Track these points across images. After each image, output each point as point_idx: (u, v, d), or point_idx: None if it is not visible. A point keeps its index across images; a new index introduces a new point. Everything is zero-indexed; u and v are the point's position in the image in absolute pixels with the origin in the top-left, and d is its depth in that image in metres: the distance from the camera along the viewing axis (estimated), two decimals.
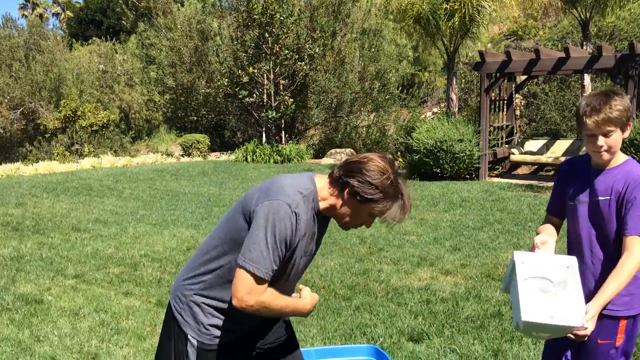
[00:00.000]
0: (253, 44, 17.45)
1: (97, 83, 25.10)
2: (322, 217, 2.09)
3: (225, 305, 2.08)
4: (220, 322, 2.10)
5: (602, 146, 2.28)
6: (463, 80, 19.78)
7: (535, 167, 13.58)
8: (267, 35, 16.99)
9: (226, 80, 18.45)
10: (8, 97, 22.38)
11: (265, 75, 17.64)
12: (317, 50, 18.28)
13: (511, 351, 4.09)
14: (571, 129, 16.08)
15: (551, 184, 11.57)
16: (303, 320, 4.75)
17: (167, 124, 25.95)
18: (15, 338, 4.42)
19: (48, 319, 4.83)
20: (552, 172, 13.32)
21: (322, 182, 2.04)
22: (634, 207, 2.24)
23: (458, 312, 4.86)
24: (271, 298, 1.96)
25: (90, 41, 30.43)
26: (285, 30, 17.17)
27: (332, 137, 20.59)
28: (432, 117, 17.10)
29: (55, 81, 23.42)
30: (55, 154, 19.54)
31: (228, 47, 18.82)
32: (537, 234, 2.50)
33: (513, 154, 13.12)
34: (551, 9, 18.43)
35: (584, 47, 13.62)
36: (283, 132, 18.58)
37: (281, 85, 18.11)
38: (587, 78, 14.07)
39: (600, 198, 2.35)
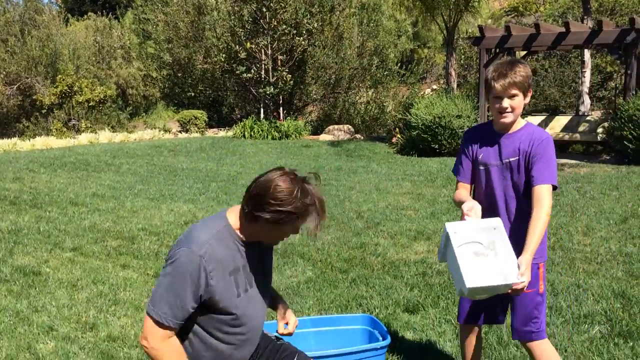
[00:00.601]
0: (250, 19, 17.27)
1: (94, 58, 24.90)
2: (254, 245, 2.09)
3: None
4: None
5: (506, 107, 2.53)
6: (462, 57, 19.66)
7: None
8: (264, 9, 16.80)
9: (223, 55, 18.30)
10: (4, 72, 22.22)
11: (263, 50, 17.50)
12: (315, 25, 18.11)
13: (506, 321, 4.12)
14: (570, 105, 16.03)
15: None
16: (299, 292, 4.78)
17: (165, 100, 25.81)
18: (13, 308, 4.45)
19: (46, 290, 4.85)
20: None
21: (234, 216, 2.05)
22: (538, 161, 2.52)
23: (453, 285, 4.89)
24: (168, 352, 1.95)
25: (86, 16, 30.09)
26: (283, 5, 16.98)
27: (331, 114, 20.51)
28: (431, 93, 17.02)
29: (52, 56, 23.23)
30: (53, 129, 19.47)
31: (225, 21, 18.63)
32: (458, 202, 2.67)
33: None
34: None
35: (585, 22, 13.50)
36: (281, 108, 18.49)
37: (279, 61, 17.98)
38: (587, 54, 13.98)
39: (510, 159, 2.61)
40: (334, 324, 3.29)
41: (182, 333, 2.07)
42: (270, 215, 1.91)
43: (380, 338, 3.14)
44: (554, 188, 2.54)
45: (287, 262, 5.57)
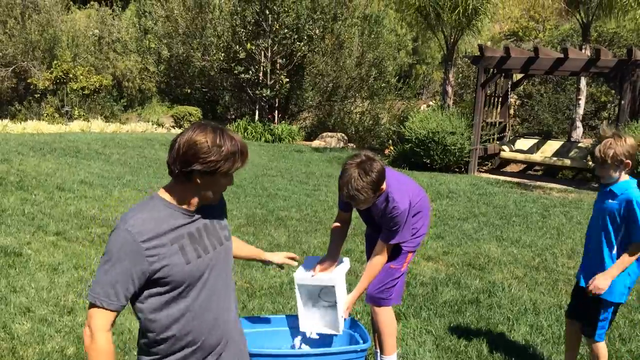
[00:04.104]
0: (253, 20, 17.27)
1: (92, 48, 24.76)
2: (199, 212, 2.04)
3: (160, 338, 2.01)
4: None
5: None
6: (460, 76, 19.78)
7: (525, 166, 13.65)
8: (267, 12, 16.82)
9: (222, 54, 18.27)
10: (0, 54, 22.02)
11: (262, 52, 17.50)
12: (316, 31, 18.14)
13: (486, 336, 4.13)
14: (563, 131, 16.16)
15: (539, 183, 11.68)
16: (282, 292, 4.75)
17: (160, 95, 25.69)
18: None
19: (26, 272, 4.79)
20: (540, 172, 13.40)
21: (168, 189, 1.99)
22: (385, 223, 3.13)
23: (437, 297, 4.89)
24: (100, 347, 1.86)
25: (88, 5, 29.96)
26: (286, 9, 17.01)
27: (325, 121, 20.51)
28: (426, 109, 17.10)
29: (50, 42, 23.06)
30: (45, 114, 19.29)
31: (226, 20, 18.61)
32: (330, 237, 3.35)
33: (504, 150, 13.17)
34: (554, 11, 18.44)
35: (583, 50, 13.65)
36: (276, 111, 18.48)
37: (278, 64, 17.98)
38: (583, 81, 14.13)
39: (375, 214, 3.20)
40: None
41: (142, 326, 1.99)
42: (201, 167, 1.88)
43: (361, 341, 3.12)
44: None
45: None
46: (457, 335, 4.14)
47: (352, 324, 3.30)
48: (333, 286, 3.01)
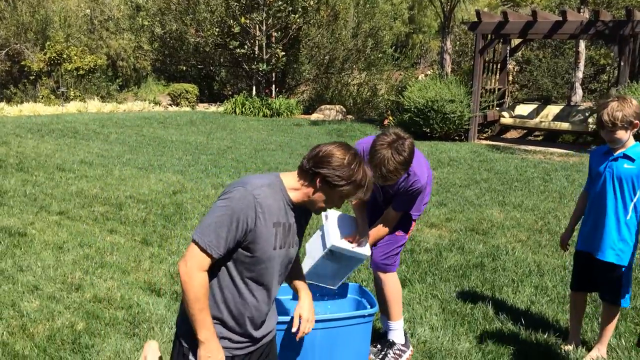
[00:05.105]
0: None
1: (85, 27, 24.46)
2: (299, 210, 2.18)
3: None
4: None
5: None
6: (457, 43, 19.58)
7: (525, 131, 13.61)
8: None
9: (217, 30, 18.07)
10: None
11: (257, 26, 17.30)
12: (311, 2, 17.91)
13: (492, 299, 4.16)
14: (562, 96, 16.06)
15: (540, 148, 11.65)
16: None
17: (156, 73, 25.48)
18: None
19: (31, 251, 4.80)
20: (541, 137, 13.36)
21: (289, 176, 2.16)
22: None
23: (441, 262, 4.91)
24: (198, 284, 1.98)
25: None
26: None
27: (323, 94, 20.38)
28: (425, 78, 16.96)
29: (42, 23, 22.77)
30: (40, 96, 19.16)
31: None
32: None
33: (503, 117, 13.11)
34: None
35: (582, 13, 13.49)
36: (273, 85, 18.35)
37: (273, 38, 17.80)
38: (582, 44, 14.00)
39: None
40: (323, 292, 3.29)
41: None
42: (327, 174, 2.05)
43: (369, 306, 3.14)
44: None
45: None
46: (462, 298, 4.17)
47: (359, 290, 3.32)
48: (362, 258, 3.05)
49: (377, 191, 3.38)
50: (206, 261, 2.00)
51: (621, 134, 3.02)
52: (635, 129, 3.04)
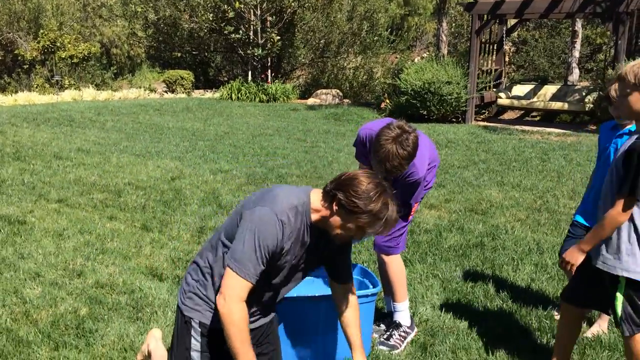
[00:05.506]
0: None
1: (78, 15, 24.23)
2: (318, 231, 2.16)
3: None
4: (216, 312, 2.18)
5: None
6: (453, 25, 19.48)
7: (522, 112, 13.59)
8: None
9: (211, 15, 17.92)
10: None
11: (252, 10, 17.15)
12: None
13: (492, 277, 4.18)
14: (559, 76, 16.03)
15: (537, 128, 11.65)
16: None
17: (150, 60, 25.29)
18: None
19: (32, 239, 4.80)
20: (538, 118, 13.35)
21: (316, 196, 2.14)
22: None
23: (441, 242, 4.93)
24: (239, 317, 2.00)
25: None
26: None
27: (319, 79, 20.28)
28: (421, 60, 16.88)
29: (35, 11, 22.53)
30: (35, 85, 19.02)
31: None
32: None
33: (500, 98, 13.08)
34: None
35: None
36: (269, 70, 18.25)
37: (268, 22, 17.65)
38: (578, 23, 13.93)
39: None
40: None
41: (208, 270, 2.17)
42: (345, 198, 2.00)
43: (371, 286, 3.16)
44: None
45: None
46: (463, 277, 4.19)
47: (361, 271, 3.33)
48: None
49: None
50: (246, 290, 2.02)
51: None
52: None
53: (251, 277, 2.01)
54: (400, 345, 3.22)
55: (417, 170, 3.03)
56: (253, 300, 2.15)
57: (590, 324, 3.46)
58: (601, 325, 3.37)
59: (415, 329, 3.38)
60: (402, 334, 3.27)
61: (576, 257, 2.59)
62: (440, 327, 3.44)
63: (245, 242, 2.00)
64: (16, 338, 3.21)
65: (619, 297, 2.49)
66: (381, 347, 3.21)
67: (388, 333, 3.28)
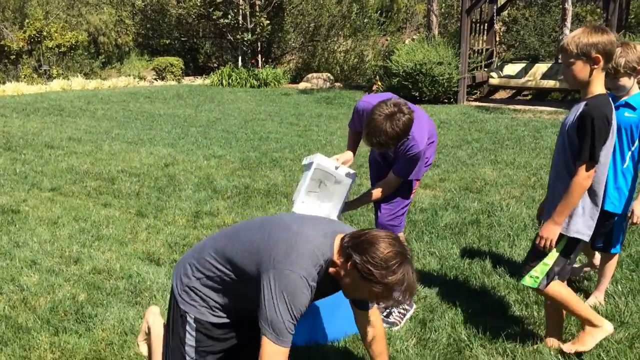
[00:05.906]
0: None
1: (64, 4, 23.91)
2: (333, 279, 2.08)
3: (213, 303, 2.22)
4: (211, 310, 2.23)
5: None
6: (443, 5, 19.37)
7: (514, 91, 13.59)
8: None
9: (199, 0, 17.74)
10: None
11: None
12: None
13: (489, 253, 4.20)
14: (550, 54, 16.01)
15: (529, 107, 11.65)
16: None
17: (139, 48, 25.03)
18: None
19: (26, 227, 4.77)
20: (530, 97, 13.36)
21: (337, 248, 2.04)
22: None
23: (437, 221, 4.94)
24: None
25: None
26: None
27: (310, 63, 20.18)
28: (412, 42, 16.81)
29: (20, 1, 22.22)
30: (22, 75, 18.82)
31: None
32: (348, 138, 3.45)
33: (492, 77, 13.07)
34: None
35: None
36: (259, 55, 18.13)
37: (257, 6, 17.51)
38: (568, 1, 13.87)
39: None
40: None
41: (210, 275, 2.19)
42: (359, 261, 1.90)
43: None
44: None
45: (270, 201, 5.56)
46: (460, 254, 4.21)
47: None
48: (348, 183, 3.09)
49: (378, 155, 3.38)
50: (286, 356, 1.97)
51: (624, 81, 3.00)
52: (639, 75, 3.02)
53: (289, 343, 1.97)
54: (400, 322, 3.23)
55: (417, 144, 3.03)
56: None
57: (587, 296, 3.49)
58: (597, 297, 3.40)
59: (415, 306, 3.40)
60: (402, 310, 3.29)
61: (553, 232, 2.63)
62: (439, 303, 3.46)
63: (281, 312, 1.92)
64: (15, 325, 3.20)
65: (554, 254, 2.67)
66: None
67: (387, 310, 3.29)
